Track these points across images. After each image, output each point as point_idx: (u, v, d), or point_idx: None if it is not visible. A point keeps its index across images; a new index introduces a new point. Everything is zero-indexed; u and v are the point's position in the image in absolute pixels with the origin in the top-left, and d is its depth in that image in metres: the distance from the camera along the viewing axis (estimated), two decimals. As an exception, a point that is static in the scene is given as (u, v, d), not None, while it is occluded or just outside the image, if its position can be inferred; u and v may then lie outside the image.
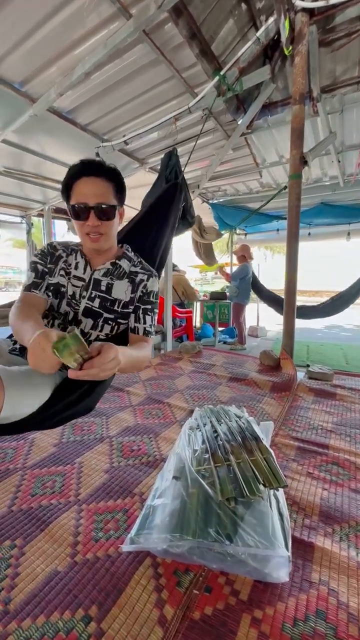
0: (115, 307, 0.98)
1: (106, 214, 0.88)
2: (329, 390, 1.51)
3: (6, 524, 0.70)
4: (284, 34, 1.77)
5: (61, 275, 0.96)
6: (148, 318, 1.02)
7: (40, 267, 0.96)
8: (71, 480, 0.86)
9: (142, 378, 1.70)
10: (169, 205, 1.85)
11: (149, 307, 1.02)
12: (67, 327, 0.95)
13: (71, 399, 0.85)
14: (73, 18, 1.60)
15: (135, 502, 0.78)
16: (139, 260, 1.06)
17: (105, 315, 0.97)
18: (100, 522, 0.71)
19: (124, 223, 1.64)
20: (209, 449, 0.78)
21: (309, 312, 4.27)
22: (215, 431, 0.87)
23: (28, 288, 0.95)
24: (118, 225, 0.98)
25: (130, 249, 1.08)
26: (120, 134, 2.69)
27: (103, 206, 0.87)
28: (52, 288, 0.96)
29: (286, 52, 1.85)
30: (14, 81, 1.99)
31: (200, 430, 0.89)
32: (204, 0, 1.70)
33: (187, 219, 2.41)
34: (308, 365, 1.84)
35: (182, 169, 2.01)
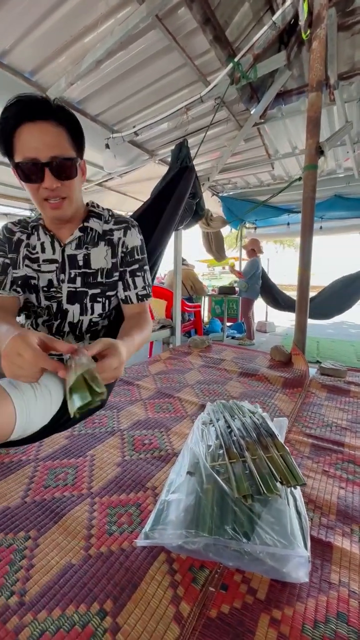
0: (99, 279, 0.84)
1: (65, 170, 0.69)
2: (342, 387, 1.48)
3: (20, 515, 0.70)
4: (302, 17, 1.70)
5: (27, 266, 0.82)
6: (138, 280, 0.87)
7: (0, 259, 0.82)
8: (84, 472, 0.85)
9: (151, 372, 1.69)
10: (178, 188, 1.82)
11: (136, 266, 0.87)
12: (53, 324, 0.85)
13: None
14: (84, 4, 1.56)
15: (148, 496, 0.77)
16: (110, 214, 0.88)
17: (91, 292, 0.84)
18: (113, 516, 0.71)
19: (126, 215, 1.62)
20: (223, 444, 0.77)
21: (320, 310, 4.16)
22: (229, 427, 0.86)
23: None
24: (81, 183, 0.78)
25: (96, 204, 0.90)
26: (130, 124, 2.66)
27: (60, 160, 0.67)
28: (19, 282, 0.83)
29: (303, 37, 1.78)
30: (24, 70, 1.97)
31: (213, 426, 0.88)
32: (219, -18, 1.65)
33: (198, 212, 2.37)
34: (318, 362, 1.80)
35: (192, 159, 1.97)
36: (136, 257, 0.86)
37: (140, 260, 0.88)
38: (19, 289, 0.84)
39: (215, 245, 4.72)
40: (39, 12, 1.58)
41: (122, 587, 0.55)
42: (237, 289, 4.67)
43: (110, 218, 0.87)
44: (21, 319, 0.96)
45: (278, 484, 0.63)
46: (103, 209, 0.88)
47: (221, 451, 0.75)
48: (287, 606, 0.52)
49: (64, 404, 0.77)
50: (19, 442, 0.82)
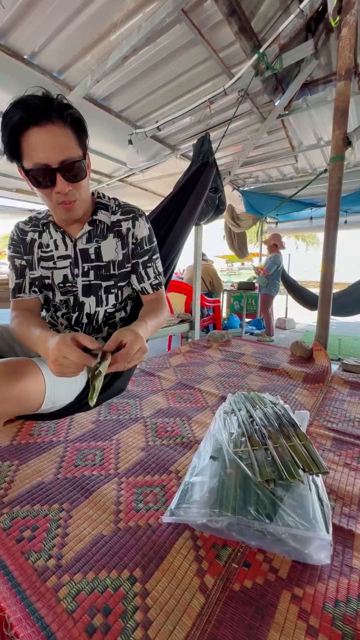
0: (112, 271, 0.85)
1: (76, 173, 0.69)
2: (365, 384, 1.45)
3: (54, 489, 0.75)
4: (331, 4, 1.65)
5: (42, 267, 0.85)
6: (150, 270, 0.89)
7: (17, 261, 0.85)
8: (110, 454, 0.90)
9: (172, 364, 1.73)
10: (199, 183, 1.83)
11: (146, 257, 0.88)
12: (71, 316, 0.89)
13: (104, 382, 0.87)
14: (111, 2, 1.59)
15: (171, 479, 0.80)
16: (116, 204, 0.88)
17: (105, 284, 0.86)
18: (139, 495, 0.74)
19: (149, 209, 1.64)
20: (245, 432, 0.79)
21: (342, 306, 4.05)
22: (251, 416, 0.87)
23: (14, 293, 0.86)
24: (89, 177, 0.77)
25: (102, 193, 0.89)
26: (153, 119, 2.68)
27: (70, 163, 0.67)
28: (36, 283, 0.86)
29: (332, 23, 1.73)
30: (53, 70, 2.03)
31: (235, 415, 0.90)
32: (246, -28, 1.63)
33: (218, 207, 2.37)
34: (340, 359, 1.78)
35: (214, 153, 1.97)
36: (145, 247, 0.86)
37: (149, 250, 0.88)
38: (36, 290, 0.87)
39: (237, 242, 4.68)
40: (66, 14, 1.62)
41: (150, 558, 0.58)
42: (256, 284, 4.62)
43: (117, 208, 0.86)
44: (42, 312, 1.01)
45: (300, 471, 0.64)
46: (109, 198, 0.88)
47: (243, 439, 0.77)
48: (309, 585, 0.54)
49: (87, 386, 0.82)
50: (49, 416, 0.87)
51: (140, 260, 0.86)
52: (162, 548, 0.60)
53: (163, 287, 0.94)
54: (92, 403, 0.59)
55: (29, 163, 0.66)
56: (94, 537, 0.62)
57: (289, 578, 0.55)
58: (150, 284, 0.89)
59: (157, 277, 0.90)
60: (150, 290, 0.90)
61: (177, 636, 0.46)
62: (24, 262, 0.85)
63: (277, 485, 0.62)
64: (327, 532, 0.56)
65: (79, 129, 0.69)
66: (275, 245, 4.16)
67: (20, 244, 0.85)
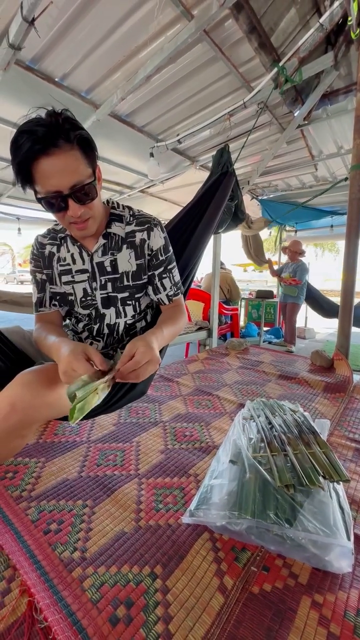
0: (126, 282, 0.86)
1: (87, 194, 0.70)
2: (389, 395, 1.41)
3: (77, 486, 0.79)
4: (353, 16, 1.67)
5: (65, 284, 0.87)
6: (166, 281, 0.89)
7: (38, 276, 0.88)
8: (130, 456, 0.92)
9: (190, 371, 1.74)
10: (218, 193, 1.86)
11: (162, 269, 0.88)
12: (93, 327, 0.92)
13: (126, 387, 0.89)
14: (137, 25, 1.68)
15: (190, 481, 0.82)
16: (130, 213, 0.88)
17: (121, 296, 0.87)
18: (159, 496, 0.76)
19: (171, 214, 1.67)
20: (264, 438, 0.79)
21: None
22: (270, 423, 0.88)
23: (36, 307, 0.90)
24: (100, 191, 0.76)
25: (116, 203, 0.89)
26: (174, 133, 2.76)
27: (81, 187, 0.67)
28: (58, 297, 0.89)
29: (353, 36, 1.75)
30: (81, 90, 2.15)
31: (254, 421, 0.90)
32: (265, -8, 1.68)
33: (238, 215, 2.40)
34: (364, 369, 1.73)
35: (233, 164, 2.01)
36: (161, 258, 0.87)
37: (165, 261, 0.88)
38: (56, 303, 0.89)
39: (254, 250, 4.66)
40: (96, 38, 1.72)
41: (170, 556, 0.60)
42: (275, 293, 4.57)
43: (131, 219, 0.86)
44: (64, 322, 1.02)
45: (320, 478, 0.64)
46: (123, 207, 0.89)
47: (262, 444, 0.77)
48: (329, 593, 0.53)
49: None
50: None
51: (156, 272, 0.87)
52: (181, 547, 0.62)
53: (182, 295, 0.95)
54: (72, 422, 0.55)
55: (41, 190, 0.67)
56: (116, 534, 0.65)
57: (309, 584, 0.55)
58: (167, 294, 0.89)
59: (174, 287, 0.90)
60: (166, 302, 0.90)
61: (197, 633, 0.47)
62: (44, 277, 0.88)
63: (297, 491, 0.63)
64: (349, 539, 0.56)
65: (86, 148, 0.69)
66: (296, 252, 4.09)
67: (40, 258, 0.87)
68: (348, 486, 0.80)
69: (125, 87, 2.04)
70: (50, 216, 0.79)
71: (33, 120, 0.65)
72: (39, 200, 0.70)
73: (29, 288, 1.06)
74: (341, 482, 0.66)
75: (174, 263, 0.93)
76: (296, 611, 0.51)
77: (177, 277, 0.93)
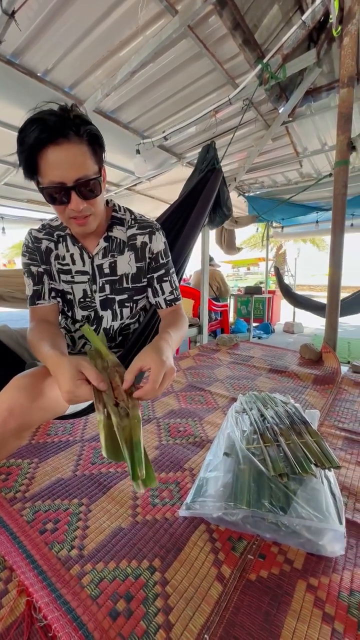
0: (125, 284, 0.85)
1: (91, 190, 0.69)
2: (376, 385, 1.45)
3: (72, 485, 0.78)
4: (333, 14, 1.70)
5: (64, 282, 0.85)
6: (165, 285, 0.88)
7: (34, 268, 0.85)
8: (125, 453, 0.92)
9: (182, 367, 1.75)
10: (206, 189, 1.87)
11: (162, 271, 0.87)
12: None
13: None
14: (121, 20, 1.66)
15: (186, 476, 0.82)
16: (132, 217, 0.87)
17: (119, 298, 0.86)
18: (155, 491, 0.77)
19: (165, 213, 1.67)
20: (257, 430, 0.81)
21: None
22: (262, 415, 0.89)
23: (32, 300, 0.86)
24: (104, 191, 0.76)
25: (117, 206, 0.88)
26: (160, 129, 2.75)
27: (85, 182, 0.67)
28: (58, 294, 0.87)
29: (334, 33, 1.78)
30: (64, 85, 2.11)
31: (246, 414, 0.92)
32: (249, -12, 1.69)
33: (224, 211, 2.41)
34: (349, 362, 1.78)
35: (220, 161, 2.02)
36: (161, 261, 0.87)
37: (166, 264, 0.88)
38: (56, 297, 0.86)
39: (227, 242, 4.74)
40: (78, 33, 1.70)
41: (168, 549, 0.61)
42: (263, 289, 4.64)
43: (133, 222, 0.86)
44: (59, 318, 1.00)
45: (312, 466, 0.66)
46: (125, 211, 0.88)
47: (255, 436, 0.78)
48: (324, 575, 0.55)
49: None
50: (68, 416, 0.90)
51: (155, 275, 0.86)
52: (179, 540, 0.62)
53: (180, 301, 0.93)
54: (105, 453, 0.53)
55: (45, 180, 0.66)
56: (113, 530, 0.65)
57: (304, 569, 0.56)
58: (165, 299, 0.88)
59: (173, 292, 0.89)
60: (163, 305, 0.89)
61: (197, 621, 0.48)
62: (41, 270, 0.85)
63: (290, 480, 0.64)
64: (341, 523, 0.57)
65: (95, 144, 0.69)
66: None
67: (36, 252, 0.85)
68: (339, 473, 0.82)
69: (109, 82, 2.02)
70: (37, 216, 0.78)
71: (45, 111, 0.64)
72: (41, 190, 0.69)
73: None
74: (332, 469, 0.68)
75: (174, 269, 0.93)
76: (292, 595, 0.52)
77: (177, 283, 0.93)
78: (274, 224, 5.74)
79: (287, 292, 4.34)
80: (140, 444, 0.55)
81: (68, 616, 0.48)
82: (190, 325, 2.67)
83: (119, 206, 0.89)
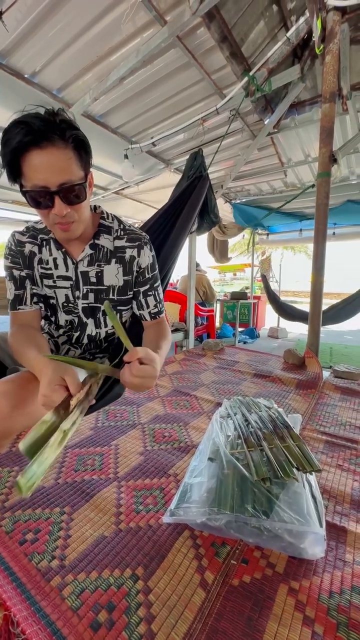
0: (111, 296, 0.85)
1: (76, 195, 0.68)
2: (356, 389, 1.50)
3: (54, 494, 0.76)
4: (316, 33, 1.77)
5: (47, 287, 0.84)
6: (150, 299, 0.90)
7: (16, 272, 0.84)
8: (109, 459, 0.91)
9: (167, 372, 1.75)
10: (192, 196, 1.90)
11: (147, 286, 0.88)
12: (72, 335, 0.89)
13: (103, 389, 0.88)
14: (110, 27, 1.68)
15: (170, 482, 0.82)
16: (120, 227, 0.86)
17: (103, 307, 0.86)
18: (139, 497, 0.76)
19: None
20: (241, 435, 0.82)
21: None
22: (246, 420, 0.90)
23: (13, 305, 0.84)
24: (89, 197, 0.75)
25: (105, 213, 0.87)
26: (149, 135, 2.77)
27: (69, 187, 0.65)
28: (41, 299, 0.86)
29: (317, 51, 1.85)
30: (53, 88, 2.10)
31: (231, 419, 0.93)
32: (236, 3, 1.74)
33: (211, 218, 2.45)
34: (331, 366, 1.83)
35: (207, 168, 2.06)
36: (147, 275, 0.87)
37: (151, 279, 0.88)
38: (39, 303, 0.85)
39: (219, 251, 4.83)
40: (68, 36, 1.70)
41: (151, 557, 0.60)
42: (249, 294, 4.72)
43: (122, 233, 0.85)
44: (42, 323, 0.98)
45: (294, 470, 0.67)
46: (113, 219, 0.86)
47: (239, 441, 0.79)
48: (304, 579, 0.56)
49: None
50: None
51: (141, 289, 0.87)
52: (162, 547, 0.62)
53: (164, 314, 0.94)
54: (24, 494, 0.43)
55: (28, 184, 0.65)
56: (95, 539, 0.64)
57: (286, 572, 0.57)
58: (149, 312, 0.89)
59: (157, 305, 0.90)
60: (148, 318, 0.90)
61: (179, 629, 0.48)
62: (23, 274, 0.83)
63: (273, 484, 0.65)
64: (321, 526, 0.59)
65: (81, 150, 0.68)
66: None
67: (19, 255, 0.83)
68: (320, 476, 0.84)
69: (98, 87, 2.02)
70: (20, 217, 0.78)
71: (31, 114, 0.63)
72: (23, 193, 0.67)
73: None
74: (314, 473, 0.70)
75: (159, 282, 0.93)
76: (274, 599, 0.53)
77: (161, 296, 0.93)
78: (260, 231, 5.86)
79: (275, 302, 4.42)
80: (55, 455, 0.51)
81: (47, 629, 0.47)
82: (177, 330, 2.68)
83: (107, 214, 0.88)
